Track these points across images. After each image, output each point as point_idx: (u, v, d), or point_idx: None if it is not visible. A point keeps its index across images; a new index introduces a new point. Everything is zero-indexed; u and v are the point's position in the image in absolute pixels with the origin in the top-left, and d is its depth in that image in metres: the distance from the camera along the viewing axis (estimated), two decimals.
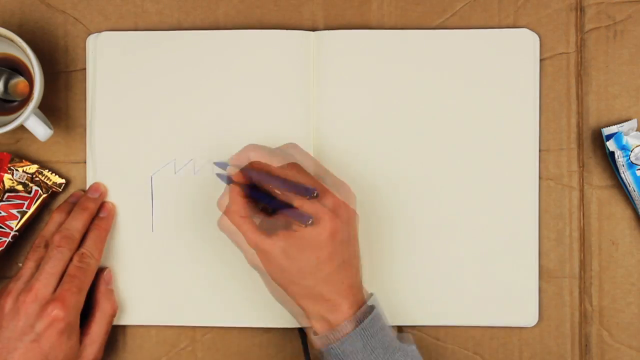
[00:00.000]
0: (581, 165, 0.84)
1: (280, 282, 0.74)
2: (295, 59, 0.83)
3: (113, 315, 0.82)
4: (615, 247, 0.84)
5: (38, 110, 0.79)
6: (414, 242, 0.84)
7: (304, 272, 0.73)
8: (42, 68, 0.78)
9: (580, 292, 0.84)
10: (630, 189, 0.82)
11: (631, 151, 0.81)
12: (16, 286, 0.77)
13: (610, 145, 0.82)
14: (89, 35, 0.84)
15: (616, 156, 0.82)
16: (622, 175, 0.82)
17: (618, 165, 0.82)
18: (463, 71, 0.84)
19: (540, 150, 0.84)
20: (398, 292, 0.84)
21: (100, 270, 0.82)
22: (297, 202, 0.73)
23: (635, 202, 0.83)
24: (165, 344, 0.84)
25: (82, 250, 0.79)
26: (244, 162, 0.76)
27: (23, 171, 0.83)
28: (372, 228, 0.84)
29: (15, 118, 0.78)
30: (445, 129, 0.84)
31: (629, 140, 0.81)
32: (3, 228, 0.82)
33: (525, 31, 0.84)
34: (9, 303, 0.76)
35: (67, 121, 0.84)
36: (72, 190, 0.84)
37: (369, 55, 0.84)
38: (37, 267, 0.78)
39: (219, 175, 0.78)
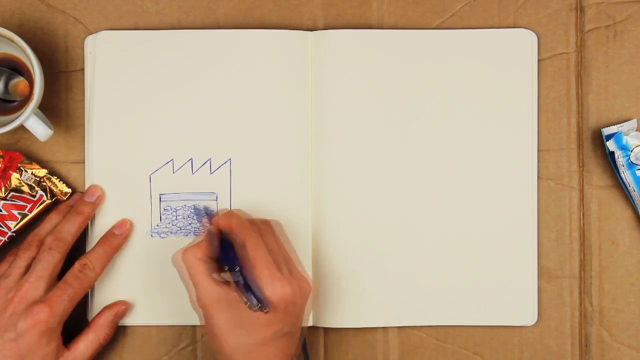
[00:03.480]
0: (581, 165, 0.84)
1: (217, 329, 0.73)
2: (294, 59, 0.83)
3: (103, 345, 0.81)
4: (615, 247, 0.84)
5: (38, 110, 0.79)
6: (413, 242, 0.84)
7: (242, 327, 0.73)
8: (42, 68, 0.78)
9: (580, 292, 0.84)
10: (630, 189, 0.82)
11: (631, 151, 0.81)
12: (5, 284, 0.77)
13: (610, 145, 0.82)
14: (89, 35, 0.84)
15: (616, 156, 0.82)
16: (622, 175, 0.82)
17: (618, 165, 0.82)
18: (463, 71, 0.84)
19: (540, 150, 0.84)
20: (398, 292, 0.84)
21: (120, 303, 0.83)
22: (259, 278, 0.72)
23: (635, 202, 0.83)
24: (165, 344, 0.84)
25: (85, 260, 0.79)
26: (223, 226, 0.76)
27: (32, 173, 0.83)
28: (372, 228, 0.84)
29: (15, 118, 0.78)
30: (445, 129, 0.84)
31: (629, 140, 0.81)
32: (1, 227, 0.82)
33: (523, 31, 0.84)
34: None
35: (67, 121, 0.84)
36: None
37: (368, 55, 0.84)
38: (27, 266, 0.78)
39: (196, 209, 0.81)
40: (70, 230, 0.80)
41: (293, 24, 0.85)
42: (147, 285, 0.84)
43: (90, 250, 0.81)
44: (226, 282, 0.73)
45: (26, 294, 0.76)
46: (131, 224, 0.83)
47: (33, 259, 0.78)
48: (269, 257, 0.73)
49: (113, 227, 0.83)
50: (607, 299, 0.84)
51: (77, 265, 0.79)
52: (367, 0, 0.85)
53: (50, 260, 0.77)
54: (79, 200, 0.82)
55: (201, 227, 0.79)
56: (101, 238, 0.82)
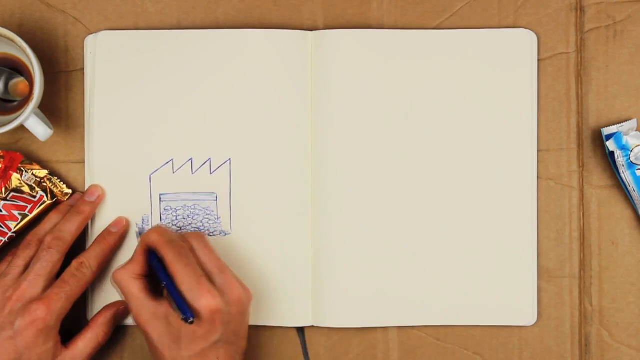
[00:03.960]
0: (581, 165, 0.84)
1: (156, 344, 0.75)
2: (294, 59, 0.83)
3: (102, 344, 0.81)
4: (615, 247, 0.84)
5: (38, 110, 0.79)
6: (413, 242, 0.84)
7: (177, 340, 0.74)
8: (42, 68, 0.78)
9: (580, 292, 0.84)
10: (630, 188, 0.82)
11: (631, 151, 0.81)
12: (4, 282, 0.77)
13: (610, 145, 0.82)
14: (89, 35, 0.84)
15: (616, 156, 0.82)
16: (622, 175, 0.82)
17: (618, 165, 0.82)
18: (462, 71, 0.84)
19: (540, 150, 0.84)
20: (398, 292, 0.84)
21: (120, 303, 0.83)
22: (185, 292, 0.74)
23: (635, 202, 0.83)
24: None
25: (82, 259, 0.80)
26: (146, 243, 0.77)
27: (32, 174, 0.83)
28: (372, 227, 0.84)
29: (15, 118, 0.78)
30: (445, 129, 0.84)
31: (629, 140, 0.81)
32: (2, 227, 0.82)
33: (523, 31, 0.84)
34: None
35: (67, 121, 0.84)
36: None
37: (368, 55, 0.84)
38: (26, 265, 0.78)
39: (139, 229, 0.82)
40: (69, 229, 0.80)
41: (293, 24, 0.85)
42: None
43: (87, 248, 0.81)
44: (161, 298, 0.75)
45: (24, 292, 0.76)
46: (127, 222, 0.83)
47: (32, 258, 0.79)
48: (191, 270, 0.74)
49: (109, 225, 0.83)
50: (607, 299, 0.84)
51: (74, 263, 0.79)
52: (367, 0, 0.85)
53: (49, 259, 0.78)
54: (79, 200, 0.82)
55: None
56: (98, 236, 0.82)
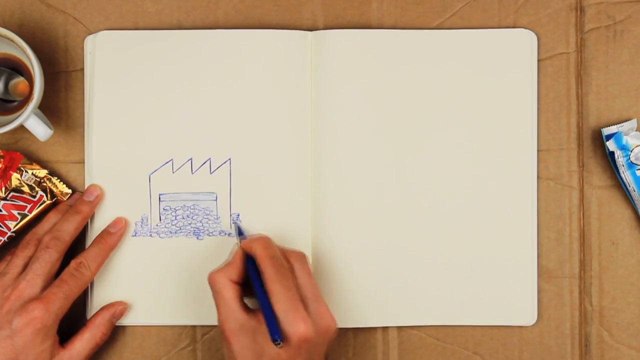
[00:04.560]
0: (581, 165, 0.84)
1: (236, 355, 0.73)
2: (294, 59, 0.83)
3: (100, 345, 0.81)
4: (615, 247, 0.84)
5: (38, 110, 0.79)
6: (413, 242, 0.84)
7: (259, 358, 0.72)
8: (42, 68, 0.78)
9: (580, 292, 0.84)
10: (630, 188, 0.82)
11: (631, 151, 0.81)
12: (2, 281, 0.77)
13: (610, 145, 0.82)
14: (88, 35, 0.84)
15: (616, 156, 0.82)
16: (622, 175, 0.82)
17: (618, 165, 0.82)
18: (462, 71, 0.84)
19: (540, 150, 0.84)
20: (398, 292, 0.84)
21: (118, 303, 0.83)
22: (279, 314, 0.72)
23: (635, 202, 0.83)
24: (165, 344, 0.84)
25: (80, 259, 0.80)
26: (247, 250, 0.76)
27: (32, 174, 0.83)
28: (372, 227, 0.84)
29: (15, 118, 0.78)
30: (445, 129, 0.84)
31: (629, 140, 0.81)
32: (1, 227, 0.82)
33: (523, 31, 0.84)
34: None
35: (67, 121, 0.84)
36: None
37: (368, 55, 0.84)
38: (25, 265, 0.78)
39: (237, 225, 0.81)
40: (68, 229, 0.80)
41: (293, 24, 0.85)
42: (147, 285, 0.84)
43: (86, 248, 0.81)
44: (252, 311, 0.74)
45: (22, 291, 0.76)
46: (126, 222, 0.83)
47: (31, 257, 0.79)
48: (289, 293, 0.72)
49: (108, 226, 0.83)
50: (607, 299, 0.84)
51: (72, 263, 0.79)
52: (367, 0, 0.85)
53: (47, 259, 0.78)
54: (78, 200, 0.82)
55: (234, 246, 0.78)
56: (97, 237, 0.82)
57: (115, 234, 0.82)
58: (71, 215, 0.81)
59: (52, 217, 0.82)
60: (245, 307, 0.74)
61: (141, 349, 0.84)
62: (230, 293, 0.74)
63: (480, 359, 0.84)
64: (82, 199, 0.82)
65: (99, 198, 0.83)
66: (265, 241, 0.76)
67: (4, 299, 0.76)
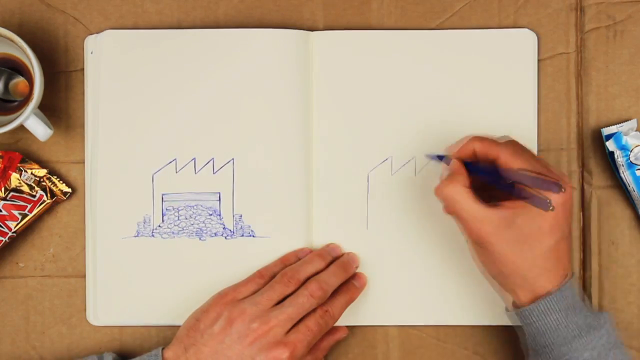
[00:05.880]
0: (581, 165, 0.85)
1: (503, 254, 0.72)
2: (295, 59, 0.83)
3: None
4: (615, 247, 0.84)
5: (38, 110, 0.79)
6: (414, 242, 0.84)
7: (531, 240, 0.72)
8: (42, 68, 0.78)
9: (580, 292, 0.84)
10: (630, 189, 0.82)
11: (631, 151, 0.81)
12: (252, 311, 0.76)
13: (610, 145, 0.82)
14: (89, 35, 0.84)
15: (616, 156, 0.82)
16: (622, 175, 0.82)
17: (618, 165, 0.82)
18: (463, 71, 0.84)
19: (540, 150, 0.84)
20: (398, 292, 0.84)
21: (342, 330, 0.83)
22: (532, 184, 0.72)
23: (635, 202, 0.83)
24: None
25: (327, 307, 0.78)
26: (466, 154, 0.75)
27: (32, 173, 0.82)
28: (372, 227, 0.84)
29: (15, 118, 0.78)
30: (445, 129, 0.84)
31: (629, 140, 0.81)
32: (2, 227, 0.82)
33: (524, 31, 0.84)
34: (240, 324, 0.75)
35: (67, 121, 0.84)
36: (75, 198, 0.84)
37: (369, 55, 0.84)
38: (279, 301, 0.77)
39: (431, 156, 0.79)
40: (333, 284, 0.79)
41: (293, 24, 0.85)
42: (148, 286, 0.83)
43: (334, 297, 0.80)
44: (494, 205, 0.72)
45: (271, 330, 0.75)
46: (365, 278, 0.83)
47: (286, 295, 0.78)
48: (533, 163, 0.73)
49: (353, 280, 0.82)
50: (607, 299, 0.84)
51: (319, 311, 0.78)
52: (367, 0, 0.85)
53: (306, 307, 0.77)
54: (348, 260, 0.83)
55: (444, 169, 0.76)
56: (344, 287, 0.81)
57: (359, 288, 0.82)
58: (340, 272, 0.81)
59: (316, 261, 0.81)
60: (490, 205, 0.73)
61: (141, 349, 0.84)
62: (471, 200, 0.73)
63: (480, 359, 0.84)
64: (351, 262, 0.82)
65: (357, 267, 0.84)
66: (481, 137, 0.75)
67: (251, 330, 0.75)
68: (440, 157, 0.77)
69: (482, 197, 0.73)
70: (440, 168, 0.77)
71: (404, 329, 0.85)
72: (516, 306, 0.75)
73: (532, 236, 0.72)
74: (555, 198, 0.71)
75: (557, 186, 0.72)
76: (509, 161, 0.73)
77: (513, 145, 0.75)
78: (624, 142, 0.81)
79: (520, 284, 0.73)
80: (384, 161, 0.84)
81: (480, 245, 0.74)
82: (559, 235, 0.72)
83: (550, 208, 0.71)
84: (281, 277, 0.78)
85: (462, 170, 0.74)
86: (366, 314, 0.84)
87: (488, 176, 0.74)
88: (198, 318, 0.77)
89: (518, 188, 0.72)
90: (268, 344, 0.75)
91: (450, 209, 0.74)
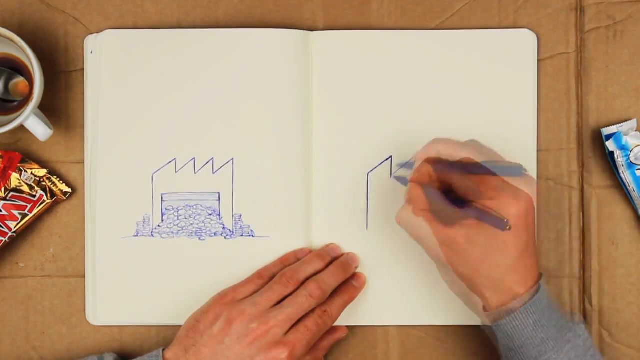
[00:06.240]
0: (581, 165, 0.85)
1: (462, 271, 0.73)
2: (295, 59, 0.83)
3: None
4: (615, 247, 0.84)
5: (38, 110, 0.79)
6: (413, 242, 0.83)
7: (488, 257, 0.72)
8: (42, 68, 0.78)
9: (580, 292, 0.84)
10: (630, 188, 0.82)
11: (631, 151, 0.81)
12: (252, 311, 0.76)
13: (610, 145, 0.82)
14: (89, 35, 0.84)
15: (616, 156, 0.82)
16: (622, 175, 0.82)
17: (618, 165, 0.82)
18: (463, 71, 0.84)
19: (540, 150, 0.84)
20: (399, 292, 0.84)
21: (342, 329, 0.83)
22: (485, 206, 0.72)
23: (635, 202, 0.83)
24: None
25: (326, 307, 0.79)
26: (431, 154, 0.76)
27: (31, 173, 0.83)
28: (372, 227, 0.84)
29: (15, 118, 0.78)
30: (445, 129, 0.84)
31: (629, 140, 0.81)
32: (2, 227, 0.82)
33: (523, 31, 0.84)
34: (239, 324, 0.75)
35: (67, 121, 0.84)
36: (75, 198, 0.84)
37: (369, 55, 0.84)
38: (278, 301, 0.77)
39: (397, 178, 0.80)
40: (332, 285, 0.79)
41: (293, 24, 0.85)
42: (148, 286, 0.84)
43: (332, 297, 0.80)
44: (452, 224, 0.72)
45: (270, 330, 0.75)
46: (365, 278, 0.83)
47: (285, 296, 0.78)
48: (484, 183, 0.73)
49: (352, 279, 0.83)
50: (607, 299, 0.84)
51: (318, 311, 0.78)
52: (367, 0, 0.85)
53: (305, 307, 0.77)
54: (347, 260, 0.83)
55: (406, 192, 0.76)
56: (342, 288, 0.81)
57: (358, 288, 0.83)
58: (339, 272, 0.81)
59: (315, 262, 0.81)
60: (447, 225, 0.73)
61: (141, 349, 0.84)
62: (429, 221, 0.73)
63: (480, 359, 0.84)
64: (350, 262, 0.83)
65: (357, 266, 0.84)
66: (443, 139, 0.76)
67: (251, 330, 0.75)
68: (401, 179, 0.79)
69: (453, 197, 0.74)
70: None
71: (404, 329, 0.85)
72: (485, 311, 0.75)
73: (490, 252, 0.72)
74: (513, 210, 0.71)
75: (504, 226, 0.71)
76: (473, 157, 0.73)
77: (476, 143, 0.76)
78: (624, 142, 0.81)
79: (483, 292, 0.73)
80: (384, 161, 0.84)
81: (442, 267, 0.75)
82: (522, 247, 0.72)
83: (507, 227, 0.71)
84: (280, 278, 0.79)
85: (420, 194, 0.74)
86: (366, 314, 0.84)
87: (456, 169, 0.74)
88: (198, 319, 0.77)
89: (473, 209, 0.72)
90: (267, 344, 0.75)
91: (411, 235, 0.75)
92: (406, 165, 0.83)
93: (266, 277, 0.80)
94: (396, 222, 0.76)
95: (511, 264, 0.72)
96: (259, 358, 0.74)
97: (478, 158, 0.73)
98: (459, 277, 0.74)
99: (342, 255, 0.83)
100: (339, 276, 0.80)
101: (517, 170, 0.72)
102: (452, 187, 0.74)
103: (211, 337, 0.75)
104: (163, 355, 0.76)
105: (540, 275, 0.74)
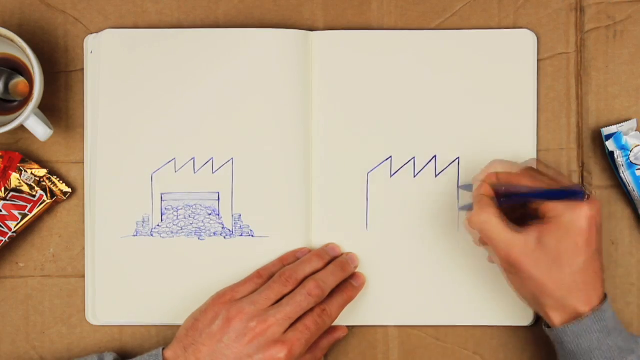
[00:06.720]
0: (581, 165, 0.84)
1: (533, 275, 0.72)
2: (295, 59, 0.83)
3: None
4: (615, 247, 0.84)
5: (38, 110, 0.79)
6: (413, 242, 0.84)
7: (560, 260, 0.72)
8: (42, 68, 0.78)
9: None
10: (629, 188, 0.82)
11: (630, 151, 0.81)
12: (250, 310, 0.76)
13: (610, 145, 0.82)
14: (88, 35, 0.84)
15: (616, 156, 0.82)
16: (622, 175, 0.82)
17: (618, 165, 0.82)
18: (463, 71, 0.84)
19: (540, 150, 0.84)
20: (398, 292, 0.84)
21: (341, 329, 0.83)
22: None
23: (635, 202, 0.83)
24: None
25: (325, 306, 0.79)
26: (490, 177, 0.76)
27: (31, 173, 0.83)
28: (372, 227, 0.84)
29: (15, 118, 0.78)
30: (445, 129, 0.84)
31: (629, 140, 0.81)
32: (2, 227, 0.82)
33: (523, 31, 0.84)
34: (238, 323, 0.75)
35: (67, 121, 0.84)
36: (75, 198, 0.84)
37: (369, 55, 0.84)
38: (276, 300, 0.77)
39: (463, 187, 0.81)
40: (330, 284, 0.79)
41: (293, 24, 0.85)
42: (147, 286, 0.84)
43: (331, 296, 0.80)
44: (523, 228, 0.73)
45: (269, 329, 0.75)
46: (364, 278, 0.83)
47: (284, 295, 0.78)
48: (557, 179, 0.74)
49: (351, 279, 0.82)
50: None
51: (317, 310, 0.78)
52: (367, 1, 0.85)
53: (304, 306, 0.77)
54: (347, 260, 0.82)
55: (473, 197, 0.77)
56: (341, 287, 0.81)
57: (357, 288, 0.82)
58: (338, 271, 0.81)
59: (314, 261, 0.81)
60: (517, 230, 0.73)
61: (141, 349, 0.84)
62: (500, 224, 0.73)
63: (480, 359, 0.84)
64: (349, 261, 0.82)
65: (357, 267, 0.84)
66: (501, 160, 0.77)
67: (249, 328, 0.75)
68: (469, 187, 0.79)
69: (512, 219, 0.74)
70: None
71: (404, 329, 0.85)
72: (548, 326, 0.75)
73: (560, 256, 0.72)
74: (583, 211, 0.71)
75: (582, 192, 0.72)
76: (531, 184, 0.74)
77: (531, 168, 0.76)
78: (624, 142, 0.81)
79: (550, 305, 0.73)
80: (384, 161, 0.84)
81: (510, 270, 0.74)
82: (588, 254, 0.72)
83: (586, 196, 0.71)
84: (279, 277, 0.78)
85: (489, 197, 0.75)
86: (366, 314, 0.84)
87: (518, 200, 0.75)
88: (197, 318, 0.77)
89: (545, 189, 0.73)
90: (266, 343, 0.75)
91: (482, 237, 0.74)
92: (465, 187, 0.83)
93: (265, 277, 0.80)
94: (467, 225, 0.76)
95: (573, 272, 0.72)
96: (257, 356, 0.74)
97: (538, 180, 0.74)
98: (525, 280, 0.73)
99: (342, 255, 0.83)
100: (338, 275, 0.80)
101: (581, 193, 0.72)
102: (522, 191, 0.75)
103: (210, 336, 0.75)
104: (163, 355, 0.76)
105: (605, 296, 0.74)
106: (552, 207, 0.72)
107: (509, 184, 0.75)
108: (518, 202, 0.75)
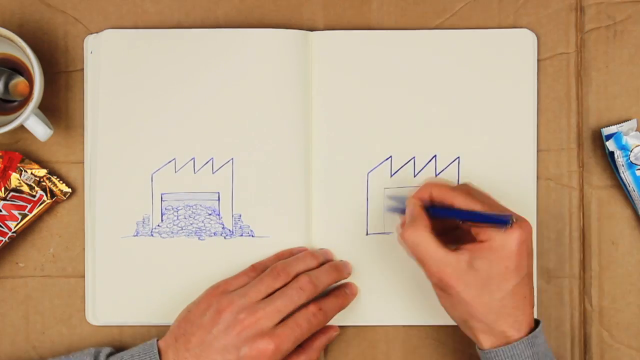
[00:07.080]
0: (581, 165, 0.85)
1: (463, 297, 0.73)
2: (295, 59, 0.83)
3: None
4: (615, 247, 0.84)
5: (38, 110, 0.79)
6: None
7: (490, 284, 0.72)
8: (42, 68, 0.78)
9: (580, 292, 0.84)
10: (630, 188, 0.82)
11: (631, 151, 0.81)
12: (240, 302, 0.76)
13: (610, 145, 0.82)
14: (88, 35, 0.84)
15: (616, 156, 0.82)
16: (622, 175, 0.82)
17: (618, 165, 0.82)
18: (463, 71, 0.84)
19: (540, 150, 0.84)
20: (398, 292, 0.84)
21: (333, 328, 0.82)
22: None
23: (635, 202, 0.83)
24: None
25: (321, 305, 0.78)
26: (423, 197, 0.76)
27: (31, 173, 0.83)
28: (372, 227, 0.84)
29: (15, 118, 0.78)
30: (445, 129, 0.84)
31: (629, 140, 0.81)
32: (2, 227, 0.82)
33: (523, 31, 0.84)
34: (228, 314, 0.75)
35: (67, 121, 0.84)
36: (75, 198, 0.84)
37: (369, 55, 0.84)
38: (267, 294, 0.77)
39: (391, 209, 0.82)
40: (324, 282, 0.79)
41: (293, 24, 0.85)
42: (148, 286, 0.84)
43: (326, 298, 0.80)
44: (456, 248, 0.73)
45: (258, 321, 0.75)
46: (357, 288, 0.83)
47: (275, 289, 0.77)
48: (489, 203, 0.74)
49: (345, 287, 0.83)
50: (607, 299, 0.84)
51: (313, 307, 0.78)
52: (367, 1, 0.85)
53: (295, 300, 0.76)
54: (342, 263, 0.83)
55: (406, 213, 0.77)
56: (337, 291, 0.82)
57: (350, 295, 0.82)
58: (332, 271, 0.81)
59: (308, 259, 0.81)
60: (450, 250, 0.73)
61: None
62: (432, 243, 0.73)
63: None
64: (344, 265, 0.83)
65: (349, 274, 0.83)
66: (435, 183, 0.77)
67: (238, 320, 0.75)
68: (401, 210, 0.79)
69: (444, 241, 0.74)
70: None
71: (404, 329, 0.85)
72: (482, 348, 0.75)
73: (490, 280, 0.72)
74: (514, 235, 0.71)
75: (509, 219, 0.71)
76: (463, 204, 0.74)
77: (467, 187, 0.76)
78: (624, 142, 0.81)
79: (479, 328, 0.74)
80: (384, 161, 0.84)
81: (442, 289, 0.74)
82: (518, 279, 0.72)
83: (510, 223, 0.71)
84: (271, 271, 0.79)
85: (423, 214, 0.75)
86: (366, 314, 0.84)
87: (449, 215, 0.75)
88: (190, 309, 0.78)
89: (474, 212, 0.73)
90: (254, 335, 0.75)
91: (414, 254, 0.74)
92: (395, 199, 0.83)
93: (259, 270, 0.80)
94: (400, 240, 0.76)
95: (503, 296, 0.72)
96: (244, 348, 0.74)
97: (470, 202, 0.74)
98: (456, 301, 0.73)
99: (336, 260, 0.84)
100: (332, 275, 0.80)
101: (507, 221, 0.72)
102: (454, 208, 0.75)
103: (200, 327, 0.76)
104: (157, 345, 0.77)
105: (537, 323, 0.74)
106: (484, 230, 0.72)
107: (442, 202, 0.75)
108: (447, 218, 0.75)
